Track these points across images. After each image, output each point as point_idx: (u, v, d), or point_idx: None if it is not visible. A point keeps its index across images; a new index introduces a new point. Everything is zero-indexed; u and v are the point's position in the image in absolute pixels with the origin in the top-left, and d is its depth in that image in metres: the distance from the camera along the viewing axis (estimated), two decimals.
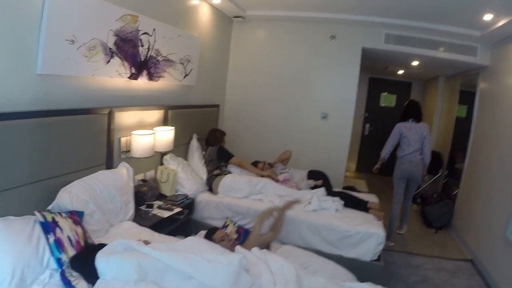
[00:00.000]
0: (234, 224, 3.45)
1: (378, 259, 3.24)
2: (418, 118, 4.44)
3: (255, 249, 2.34)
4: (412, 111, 4.48)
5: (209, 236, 2.79)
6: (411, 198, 4.76)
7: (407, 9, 4.11)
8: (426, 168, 4.55)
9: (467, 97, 5.70)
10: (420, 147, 4.36)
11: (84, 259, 1.88)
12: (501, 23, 3.76)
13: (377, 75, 8.31)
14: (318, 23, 5.06)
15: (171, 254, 1.84)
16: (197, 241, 2.21)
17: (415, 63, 5.94)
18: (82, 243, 2.08)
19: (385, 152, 4.48)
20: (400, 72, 7.47)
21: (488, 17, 3.76)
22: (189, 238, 2.23)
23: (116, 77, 2.95)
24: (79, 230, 2.12)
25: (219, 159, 4.15)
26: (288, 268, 2.15)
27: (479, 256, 4.12)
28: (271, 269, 2.13)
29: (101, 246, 1.98)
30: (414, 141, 4.33)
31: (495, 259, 3.73)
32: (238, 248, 2.36)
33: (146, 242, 2.16)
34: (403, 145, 4.39)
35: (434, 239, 4.92)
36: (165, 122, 3.73)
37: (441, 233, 5.14)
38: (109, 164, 2.94)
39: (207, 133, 4.38)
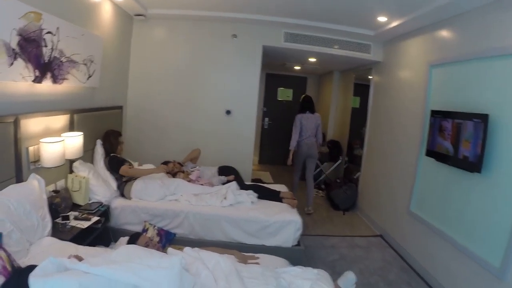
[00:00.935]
0: (154, 227, 3.41)
1: (298, 244, 3.51)
2: (312, 110, 5.51)
3: (187, 249, 2.38)
4: (307, 105, 5.53)
5: (132, 243, 2.75)
6: (312, 177, 5.64)
7: (305, 10, 4.41)
8: (319, 148, 5.67)
9: (360, 89, 6.43)
10: (314, 132, 5.46)
11: (17, 286, 1.72)
12: (393, 24, 4.33)
13: (274, 71, 8.74)
14: (219, 22, 5.15)
15: (112, 266, 1.77)
16: (132, 248, 2.16)
17: (312, 59, 6.39)
18: (9, 268, 1.88)
19: (293, 143, 5.41)
20: (297, 67, 7.93)
21: (382, 19, 4.29)
22: (122, 246, 2.17)
23: (20, 80, 2.67)
24: (2, 254, 1.91)
25: (111, 170, 3.88)
26: (225, 263, 2.24)
27: (387, 230, 4.73)
28: (208, 266, 2.19)
29: (31, 267, 1.82)
30: (310, 128, 5.41)
31: (402, 231, 4.33)
32: (170, 250, 2.38)
33: (78, 258, 2.06)
34: (302, 132, 5.42)
35: (343, 220, 5.44)
36: (71, 127, 3.47)
37: (348, 215, 5.71)
38: (19, 177, 2.66)
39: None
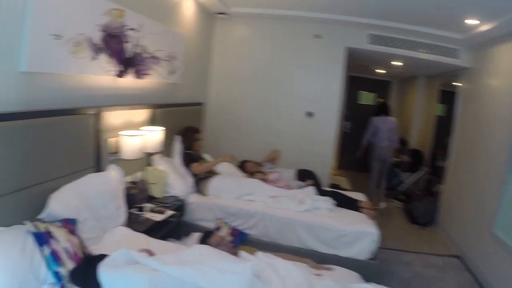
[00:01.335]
0: (228, 226, 3.35)
1: (372, 258, 3.24)
2: (387, 113, 5.67)
3: (260, 254, 2.26)
4: (382, 109, 5.76)
5: (204, 241, 2.69)
6: (386, 176, 5.88)
7: (390, 11, 4.13)
8: (393, 152, 5.88)
9: (445, 96, 5.91)
10: (389, 135, 5.55)
11: (86, 272, 1.74)
12: (484, 28, 3.83)
13: (356, 73, 8.36)
14: (302, 22, 5.01)
15: (183, 267, 1.73)
16: (205, 249, 2.09)
17: (396, 63, 6.02)
18: (80, 254, 1.92)
19: (364, 141, 5.79)
20: (381, 71, 7.55)
21: (471, 21, 3.82)
22: (195, 246, 2.11)
23: (103, 74, 2.79)
24: (75, 240, 1.97)
25: (184, 166, 3.89)
26: (297, 272, 2.09)
27: (466, 251, 4.19)
28: (280, 274, 2.06)
29: (102, 256, 1.84)
30: (385, 131, 5.55)
31: (483, 254, 3.79)
32: (243, 253, 2.26)
33: (149, 252, 2.04)
34: (377, 135, 5.60)
35: (421, 235, 5.01)
36: (152, 121, 3.57)
37: (426, 230, 5.23)
38: (98, 167, 2.77)
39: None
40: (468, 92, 4.90)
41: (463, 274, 3.92)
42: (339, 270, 2.53)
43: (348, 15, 4.61)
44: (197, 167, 3.85)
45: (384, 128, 5.55)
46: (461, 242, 4.38)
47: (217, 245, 2.50)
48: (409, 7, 3.82)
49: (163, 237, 2.88)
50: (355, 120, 8.62)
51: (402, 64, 6.01)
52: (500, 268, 3.38)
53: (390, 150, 5.61)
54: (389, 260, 4.02)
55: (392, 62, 6.02)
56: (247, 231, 3.47)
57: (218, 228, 3.25)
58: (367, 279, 2.46)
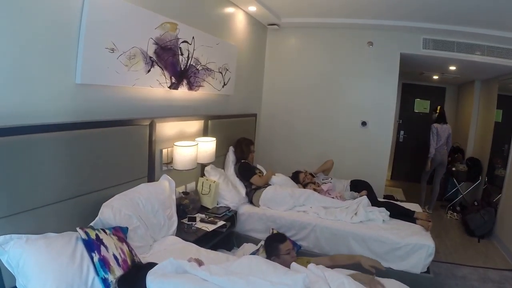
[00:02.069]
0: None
1: (427, 271, 3.06)
2: (445, 121, 5.88)
3: (312, 266, 2.15)
4: (443, 116, 5.90)
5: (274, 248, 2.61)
6: (439, 182, 6.00)
7: (444, 13, 3.91)
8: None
9: (502, 100, 5.57)
10: (446, 141, 5.79)
11: (133, 280, 1.74)
12: None
13: (410, 80, 8.05)
14: (354, 29, 4.90)
15: (232, 278, 1.68)
16: (255, 260, 2.02)
17: (452, 67, 5.73)
18: (129, 262, 1.94)
19: (432, 150, 5.75)
20: (435, 77, 7.19)
21: None
22: (245, 257, 2.05)
23: (156, 86, 2.86)
24: (125, 248, 2.00)
25: (241, 177, 3.93)
26: (349, 285, 1.96)
27: None
28: (331, 286, 1.95)
29: (150, 265, 1.84)
30: (443, 137, 5.77)
31: None
32: (294, 265, 2.17)
33: (198, 262, 2.01)
34: (438, 141, 5.75)
35: (477, 249, 4.72)
36: (205, 132, 3.62)
37: (483, 242, 4.92)
38: (151, 177, 2.83)
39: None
40: None
41: None
42: (390, 284, 2.35)
43: (402, 19, 4.45)
44: (258, 178, 3.87)
45: (443, 135, 5.77)
46: None
47: (285, 253, 2.51)
48: (464, 8, 3.60)
49: (214, 248, 2.86)
50: (409, 129, 8.27)
51: (457, 68, 5.72)
52: None
53: (446, 155, 5.91)
54: (443, 274, 3.82)
55: (449, 67, 5.73)
56: (298, 242, 3.40)
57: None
58: None
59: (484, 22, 4.04)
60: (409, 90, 8.25)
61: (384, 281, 2.36)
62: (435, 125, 5.76)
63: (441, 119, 5.82)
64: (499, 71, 5.19)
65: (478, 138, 6.55)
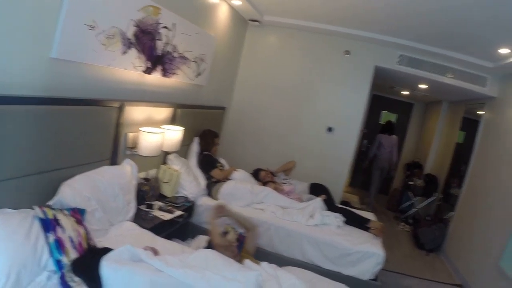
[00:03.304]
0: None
1: (374, 279, 3.22)
2: (390, 132, 6.85)
3: (265, 265, 2.23)
4: (387, 127, 6.92)
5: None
6: (377, 181, 6.96)
7: (422, 33, 4.07)
8: (393, 165, 7.05)
9: (467, 124, 5.81)
10: (390, 150, 6.75)
11: (88, 264, 1.74)
12: None
13: (380, 92, 8.31)
14: (333, 36, 4.99)
15: (187, 271, 1.71)
16: (210, 254, 2.06)
17: (422, 86, 5.93)
18: (84, 245, 1.93)
19: (370, 154, 6.99)
20: (405, 92, 7.49)
21: (504, 50, 3.73)
22: (202, 250, 2.09)
23: (131, 69, 2.81)
24: (81, 230, 1.97)
25: (202, 169, 3.95)
26: (300, 286, 2.05)
27: (469, 282, 4.11)
28: (282, 286, 2.03)
29: (106, 250, 1.84)
30: (387, 147, 6.75)
31: (486, 286, 3.70)
32: (248, 262, 2.23)
33: (154, 250, 2.03)
34: (380, 149, 6.81)
35: (425, 261, 4.97)
36: (173, 120, 3.59)
37: (431, 256, 5.18)
38: (114, 160, 2.79)
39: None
40: (490, 122, 4.79)
41: None
42: (337, 286, 2.48)
43: (381, 33, 4.56)
44: (219, 172, 3.90)
45: (386, 144, 6.73)
46: (466, 272, 4.30)
47: (224, 249, 2.49)
48: (444, 30, 3.74)
49: (169, 237, 2.87)
50: (372, 139, 8.47)
51: (427, 87, 5.94)
52: None
53: (388, 162, 6.82)
54: (390, 282, 3.99)
55: (419, 85, 5.95)
56: None
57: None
58: None
59: (458, 47, 4.21)
60: (377, 102, 8.51)
61: (332, 285, 2.48)
62: (379, 135, 6.83)
63: (387, 130, 6.83)
64: (467, 95, 5.42)
65: (438, 156, 6.87)
